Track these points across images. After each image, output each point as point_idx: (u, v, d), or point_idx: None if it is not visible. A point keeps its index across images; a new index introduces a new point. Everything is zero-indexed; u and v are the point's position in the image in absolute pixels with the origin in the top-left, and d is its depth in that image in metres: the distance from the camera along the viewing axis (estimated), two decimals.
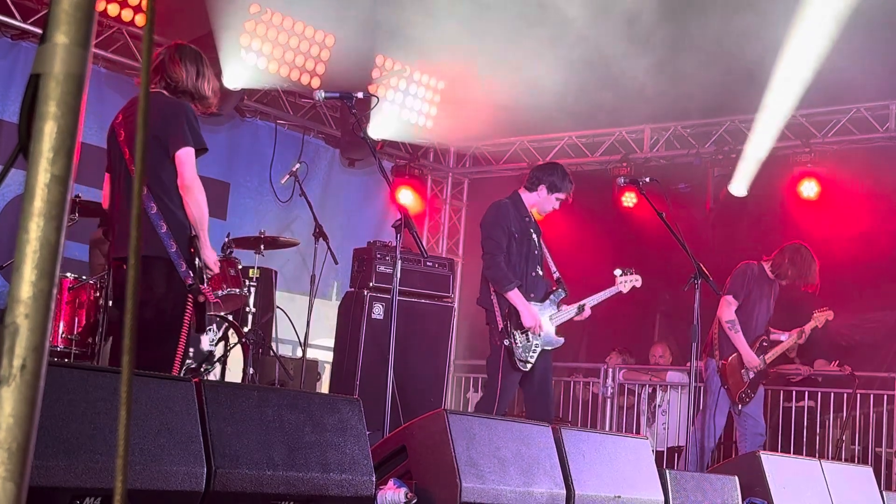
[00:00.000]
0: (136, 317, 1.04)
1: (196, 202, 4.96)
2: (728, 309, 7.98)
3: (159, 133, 4.92)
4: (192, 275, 4.88)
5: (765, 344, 8.15)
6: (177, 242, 4.87)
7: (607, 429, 10.75)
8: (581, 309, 7.01)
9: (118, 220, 5.09)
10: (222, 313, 7.69)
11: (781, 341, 8.25)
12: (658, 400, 11.08)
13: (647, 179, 7.20)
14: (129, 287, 1.05)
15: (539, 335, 6.66)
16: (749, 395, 7.97)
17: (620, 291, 7.18)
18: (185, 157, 4.92)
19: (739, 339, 7.96)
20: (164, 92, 5.10)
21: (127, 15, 9.21)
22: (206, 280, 4.97)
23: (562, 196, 6.94)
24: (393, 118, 11.63)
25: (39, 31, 6.89)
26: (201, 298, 4.92)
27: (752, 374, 7.99)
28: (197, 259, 4.93)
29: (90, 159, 9.16)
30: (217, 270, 5.18)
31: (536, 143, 12.34)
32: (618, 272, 7.25)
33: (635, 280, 7.21)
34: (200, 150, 5.02)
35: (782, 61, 9.70)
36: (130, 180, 4.93)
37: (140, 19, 9.14)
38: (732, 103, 10.69)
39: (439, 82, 11.87)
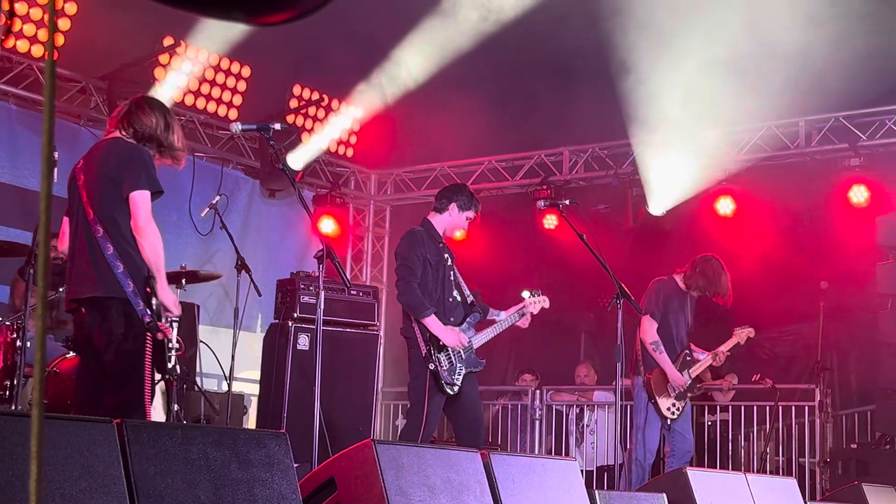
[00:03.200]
0: (44, 368, 1.03)
1: (150, 244, 4.96)
2: (650, 329, 7.99)
3: (115, 176, 4.95)
4: (149, 313, 4.88)
5: (688, 359, 8.19)
6: (133, 282, 4.87)
7: (536, 451, 10.79)
8: (520, 315, 7.03)
9: (76, 264, 5.05)
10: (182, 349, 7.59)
11: (700, 360, 8.30)
12: (586, 420, 11.15)
13: (567, 202, 7.24)
14: (36, 337, 1.04)
15: (462, 357, 6.67)
16: (677, 410, 8.04)
17: (531, 313, 7.21)
18: (139, 199, 4.93)
19: (664, 360, 8.00)
20: (126, 138, 5.12)
21: (37, 51, 9.09)
22: (163, 318, 4.96)
23: (471, 215, 6.97)
24: (312, 147, 11.60)
25: None
26: (159, 336, 4.92)
27: (676, 390, 8.06)
28: (154, 299, 4.93)
29: (4, 198, 8.99)
30: (178, 312, 5.16)
31: (457, 168, 12.40)
32: (526, 294, 7.28)
33: (543, 301, 7.23)
34: (157, 193, 5.04)
35: (696, 81, 9.90)
36: (88, 224, 4.95)
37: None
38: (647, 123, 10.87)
39: (357, 110, 11.88)
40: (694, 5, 9.37)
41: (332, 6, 1.34)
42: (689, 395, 8.16)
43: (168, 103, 9.88)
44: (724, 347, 8.41)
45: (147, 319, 4.87)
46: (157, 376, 7.42)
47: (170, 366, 5.07)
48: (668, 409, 7.98)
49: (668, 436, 8.08)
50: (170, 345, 5.02)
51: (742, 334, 8.46)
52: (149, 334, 4.90)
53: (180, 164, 5.40)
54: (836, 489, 8.25)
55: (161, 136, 5.17)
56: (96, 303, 4.94)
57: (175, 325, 5.07)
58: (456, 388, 6.65)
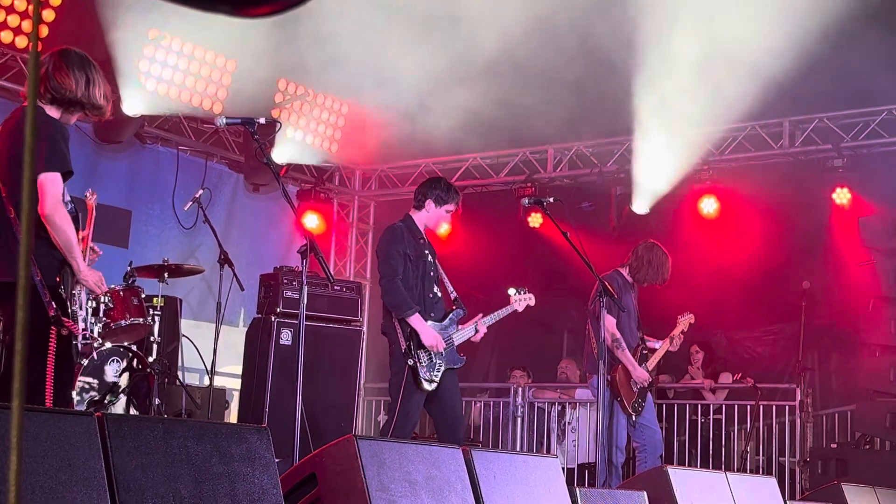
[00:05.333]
0: (25, 359, 1.01)
1: (60, 231, 4.64)
2: (611, 327, 7.92)
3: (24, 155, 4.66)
4: (54, 305, 4.60)
5: (645, 352, 8.14)
6: (41, 270, 4.61)
7: (518, 448, 10.80)
8: (475, 329, 6.96)
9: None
10: (126, 343, 7.56)
11: (657, 349, 8.26)
12: (567, 417, 11.16)
13: (551, 199, 7.21)
14: (17, 327, 1.03)
15: (442, 354, 6.65)
16: (641, 405, 8.02)
17: (516, 310, 7.17)
18: (46, 183, 4.60)
19: (627, 357, 7.95)
20: (44, 107, 4.74)
21: (21, 42, 9.04)
22: (70, 312, 4.67)
23: (451, 207, 6.90)
24: (297, 142, 11.58)
25: None
26: (64, 331, 4.63)
27: (640, 385, 8.04)
28: (62, 289, 4.66)
29: None
30: (100, 291, 4.92)
31: (441, 165, 12.39)
32: (512, 291, 7.24)
33: (529, 299, 7.19)
34: (67, 174, 4.71)
35: (680, 80, 9.93)
36: (3, 203, 4.66)
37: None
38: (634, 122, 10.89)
39: (343, 105, 11.86)
40: (681, 5, 9.39)
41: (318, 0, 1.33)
42: (650, 389, 8.16)
43: (152, 97, 9.91)
44: (675, 332, 8.35)
45: (52, 313, 4.58)
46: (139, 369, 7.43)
47: (78, 362, 4.80)
48: (633, 405, 7.98)
49: (634, 431, 8.06)
50: (75, 341, 4.69)
51: (684, 321, 8.40)
52: (53, 328, 4.60)
53: (105, 116, 5.03)
54: (815, 489, 8.28)
55: (83, 98, 4.78)
56: (5, 287, 4.68)
57: (80, 317, 4.82)
58: (435, 385, 6.63)
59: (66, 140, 4.73)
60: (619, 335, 7.92)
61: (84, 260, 4.98)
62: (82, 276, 4.76)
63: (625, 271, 8.16)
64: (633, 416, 7.96)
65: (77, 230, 4.87)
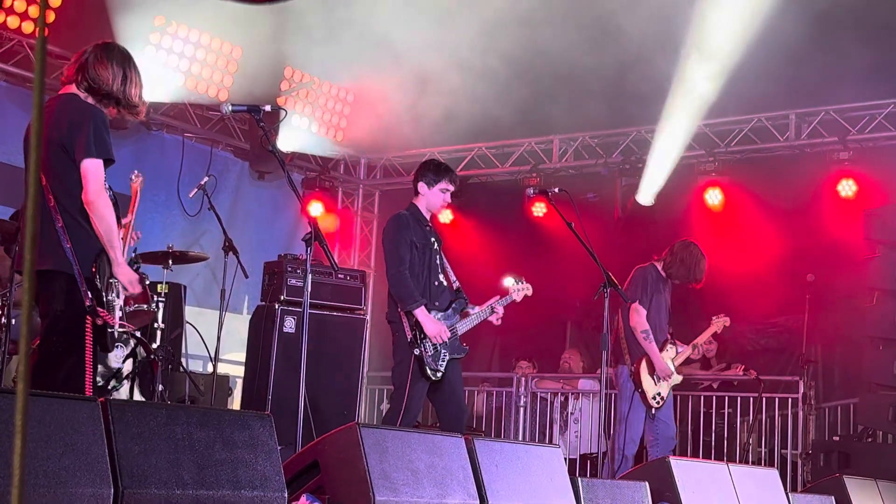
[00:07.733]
0: (30, 342, 1.02)
1: (101, 217, 4.60)
2: (640, 318, 7.94)
3: (66, 142, 4.59)
4: (90, 295, 4.56)
5: (669, 346, 8.19)
6: (79, 261, 4.55)
7: (520, 438, 10.81)
8: (491, 310, 6.96)
9: (23, 232, 4.79)
10: (129, 329, 7.57)
11: (680, 352, 8.29)
12: (570, 408, 11.17)
13: (556, 189, 7.21)
14: (23, 312, 1.03)
15: (447, 344, 6.66)
16: (661, 399, 8.04)
17: (514, 300, 7.17)
18: (91, 169, 4.58)
19: (653, 349, 7.97)
20: (80, 94, 4.75)
21: (27, 27, 9.04)
22: (106, 302, 4.64)
23: (445, 186, 6.84)
24: (302, 130, 11.58)
25: None
26: (99, 321, 4.60)
27: (662, 378, 8.04)
28: (98, 279, 4.62)
29: None
30: (135, 290, 4.82)
31: (447, 154, 12.37)
32: (510, 282, 7.23)
33: (527, 289, 7.19)
34: (108, 161, 4.68)
35: (686, 72, 9.91)
36: (42, 191, 4.59)
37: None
38: (639, 113, 10.87)
39: (349, 94, 11.85)
40: None
41: None
42: (672, 384, 8.17)
43: (158, 83, 9.90)
44: (702, 338, 8.43)
45: (87, 303, 4.55)
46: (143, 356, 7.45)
47: (112, 352, 4.79)
48: (654, 397, 7.98)
49: (650, 424, 8.07)
50: (110, 329, 4.67)
51: (719, 323, 8.45)
52: (89, 318, 4.58)
53: (139, 117, 5.08)
54: (817, 481, 8.28)
55: (117, 93, 4.77)
56: (43, 275, 4.60)
57: (117, 306, 4.80)
58: (440, 374, 6.63)
59: (106, 127, 4.72)
60: (647, 327, 7.94)
61: (126, 243, 4.93)
62: (118, 270, 4.70)
63: (660, 266, 8.20)
64: (652, 409, 7.97)
65: (118, 218, 4.85)
